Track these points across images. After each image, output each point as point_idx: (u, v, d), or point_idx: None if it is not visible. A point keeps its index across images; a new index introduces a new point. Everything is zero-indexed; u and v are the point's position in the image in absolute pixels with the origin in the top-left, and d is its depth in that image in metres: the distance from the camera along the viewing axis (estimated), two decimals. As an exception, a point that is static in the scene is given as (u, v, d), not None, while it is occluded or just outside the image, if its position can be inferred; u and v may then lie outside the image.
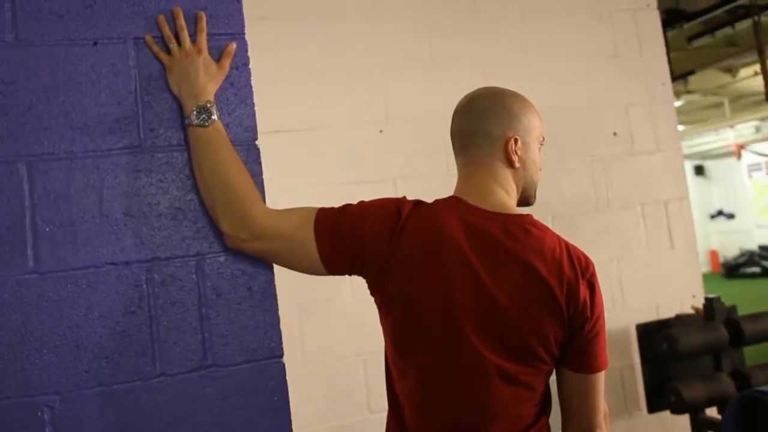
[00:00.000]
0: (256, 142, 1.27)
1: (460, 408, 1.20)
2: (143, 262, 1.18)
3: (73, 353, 1.13)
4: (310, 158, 2.62)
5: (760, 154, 11.64)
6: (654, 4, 3.16)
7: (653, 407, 2.92)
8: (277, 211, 1.23)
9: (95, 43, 1.20)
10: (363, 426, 2.54)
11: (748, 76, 6.74)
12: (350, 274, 1.25)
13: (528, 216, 1.26)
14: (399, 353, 1.24)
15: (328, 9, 2.69)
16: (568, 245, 1.26)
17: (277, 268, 1.26)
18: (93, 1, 1.20)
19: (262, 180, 1.26)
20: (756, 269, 11.26)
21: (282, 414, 1.21)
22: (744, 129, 10.56)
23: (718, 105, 8.86)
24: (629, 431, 2.95)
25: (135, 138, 1.20)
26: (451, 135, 1.33)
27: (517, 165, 1.27)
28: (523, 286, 1.19)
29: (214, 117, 1.20)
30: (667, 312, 3.02)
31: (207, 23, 1.24)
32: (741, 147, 11.41)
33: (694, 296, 3.10)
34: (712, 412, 2.89)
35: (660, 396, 2.89)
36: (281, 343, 1.24)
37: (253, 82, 1.28)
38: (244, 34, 1.28)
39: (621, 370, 2.97)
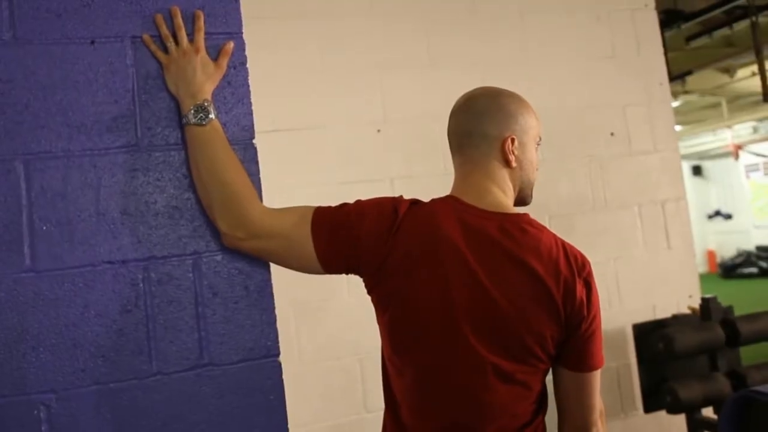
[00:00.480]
0: (253, 141, 1.27)
1: (457, 406, 1.21)
2: (140, 261, 1.18)
3: (70, 352, 1.13)
4: (308, 157, 2.62)
5: (757, 155, 11.66)
6: (652, 4, 3.16)
7: (649, 407, 2.92)
8: (274, 210, 1.24)
9: (92, 42, 1.20)
10: (359, 425, 2.54)
11: (746, 77, 6.75)
12: (347, 273, 1.25)
13: (525, 215, 1.27)
14: (396, 352, 1.25)
15: (325, 8, 2.69)
16: (564, 244, 1.26)
17: (273, 267, 1.26)
18: (90, -1, 1.20)
19: (259, 179, 1.26)
20: (753, 269, 11.28)
21: (278, 413, 1.21)
22: (741, 129, 10.58)
23: (716, 105, 8.87)
24: (625, 431, 2.96)
25: (132, 137, 1.20)
26: (448, 135, 1.34)
27: (514, 165, 1.27)
28: (520, 285, 1.19)
29: (212, 116, 1.20)
30: (664, 312, 3.03)
31: (204, 22, 1.24)
32: (738, 147, 11.42)
33: (690, 296, 3.10)
34: (708, 412, 2.90)
35: (656, 396, 2.89)
36: (278, 342, 1.24)
37: (250, 81, 1.28)
38: (242, 33, 1.28)
39: (617, 369, 2.98)
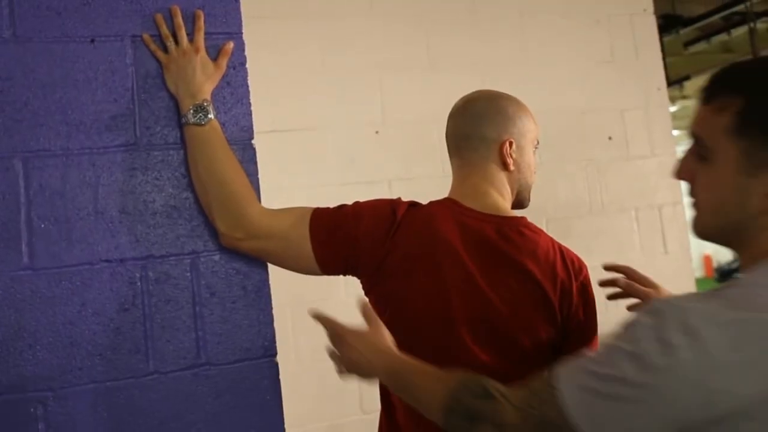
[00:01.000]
0: (252, 142, 1.27)
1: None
2: (138, 260, 1.18)
3: (67, 350, 1.13)
4: (306, 158, 2.62)
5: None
6: (651, 9, 3.17)
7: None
8: (273, 210, 1.24)
9: (92, 41, 1.20)
10: (356, 426, 2.54)
11: (744, 82, 6.76)
12: (345, 274, 1.26)
13: (522, 218, 1.27)
14: (392, 354, 1.25)
15: (325, 9, 2.69)
16: (561, 248, 1.26)
17: (271, 267, 1.26)
18: (91, -2, 1.20)
19: (257, 179, 1.26)
20: (749, 274, 11.29)
21: (275, 413, 1.21)
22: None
23: (714, 110, 8.86)
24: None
25: (131, 136, 1.20)
26: (447, 137, 1.34)
27: (512, 168, 1.27)
28: (517, 287, 1.20)
29: (211, 116, 1.21)
30: (660, 316, 3.02)
31: (204, 22, 1.24)
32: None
33: (687, 300, 3.10)
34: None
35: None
36: (275, 342, 1.24)
37: (249, 82, 1.28)
38: (242, 33, 1.28)
39: (613, 373, 2.97)
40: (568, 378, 0.85)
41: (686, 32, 4.90)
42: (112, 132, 1.19)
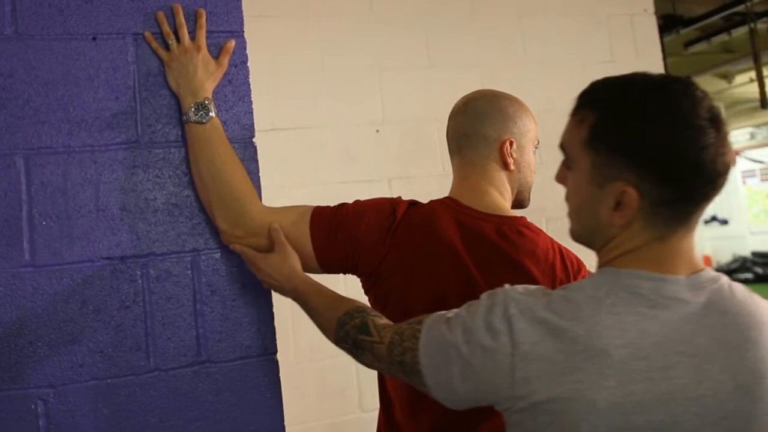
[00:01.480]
0: (253, 140, 1.27)
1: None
2: (139, 257, 1.18)
3: (68, 347, 1.13)
4: (307, 157, 2.63)
5: (754, 161, 11.69)
6: (651, 9, 3.17)
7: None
8: (273, 208, 1.24)
9: (94, 38, 1.20)
10: (355, 424, 2.55)
11: (744, 83, 6.77)
12: (344, 273, 1.26)
13: (522, 218, 1.27)
14: (392, 352, 1.25)
15: (326, 8, 2.69)
16: (561, 248, 1.27)
17: (272, 265, 1.26)
18: (93, -4, 1.21)
19: (258, 177, 1.26)
20: (749, 275, 11.30)
21: (274, 411, 1.22)
22: (739, 135, 10.61)
23: (714, 111, 8.86)
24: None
25: (132, 133, 1.20)
26: (447, 137, 1.34)
27: (512, 167, 1.28)
28: (516, 287, 1.20)
29: (212, 114, 1.21)
30: (659, 316, 3.03)
31: (206, 20, 1.25)
32: (735, 153, 11.45)
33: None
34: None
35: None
36: (275, 340, 1.24)
37: (250, 80, 1.29)
38: (243, 31, 1.29)
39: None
40: (430, 329, 0.93)
41: (686, 32, 4.90)
42: (113, 130, 1.19)
